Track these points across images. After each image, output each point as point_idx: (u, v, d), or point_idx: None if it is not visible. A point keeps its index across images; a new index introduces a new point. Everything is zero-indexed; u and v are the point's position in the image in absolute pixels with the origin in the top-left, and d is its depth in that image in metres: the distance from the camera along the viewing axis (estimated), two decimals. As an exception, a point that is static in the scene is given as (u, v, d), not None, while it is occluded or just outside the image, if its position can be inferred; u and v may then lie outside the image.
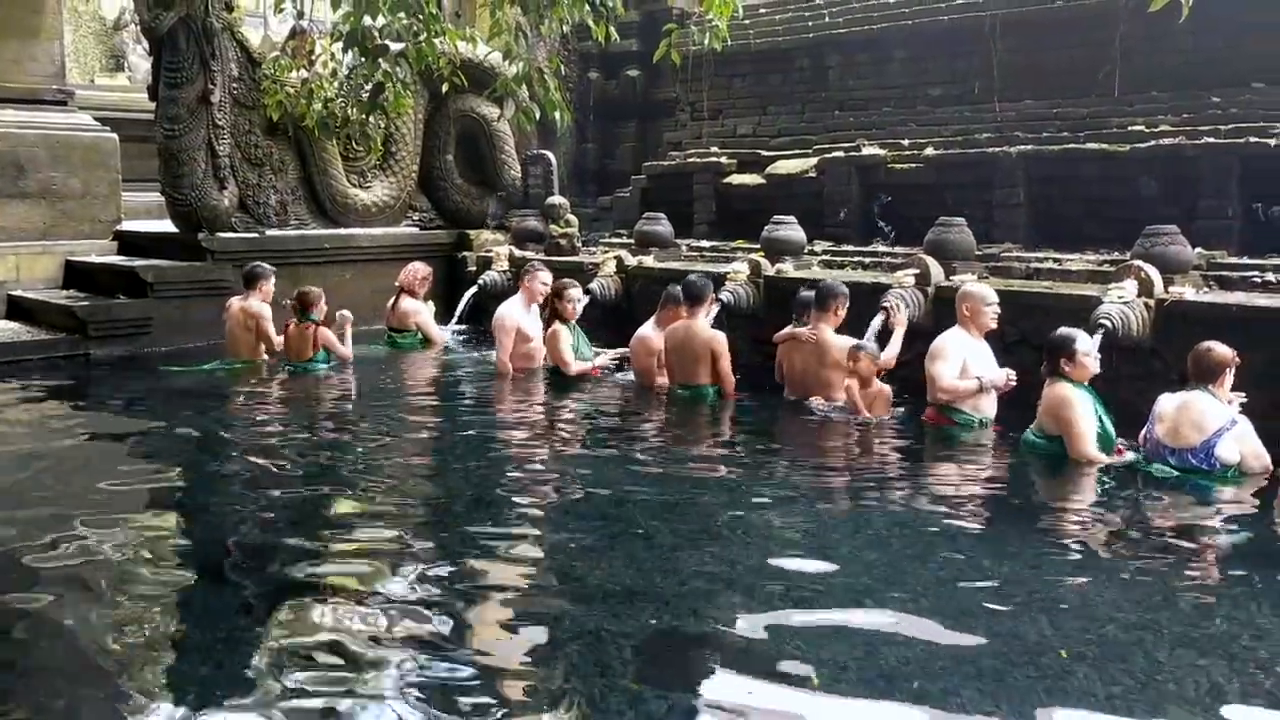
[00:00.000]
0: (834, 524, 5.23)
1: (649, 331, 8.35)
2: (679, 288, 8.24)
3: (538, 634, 4.01)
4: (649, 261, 10.39)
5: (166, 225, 11.46)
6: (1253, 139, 8.48)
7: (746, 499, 5.61)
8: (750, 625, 3.99)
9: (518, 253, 11.48)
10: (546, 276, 9.09)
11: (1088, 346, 6.29)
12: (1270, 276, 7.39)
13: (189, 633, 4.03)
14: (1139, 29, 9.56)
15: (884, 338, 7.64)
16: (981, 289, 7.10)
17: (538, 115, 7.42)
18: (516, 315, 8.98)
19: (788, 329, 7.86)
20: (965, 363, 6.85)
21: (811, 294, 7.83)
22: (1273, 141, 8.35)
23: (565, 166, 14.22)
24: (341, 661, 3.72)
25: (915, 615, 4.09)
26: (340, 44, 7.67)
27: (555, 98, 7.24)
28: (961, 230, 8.59)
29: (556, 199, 12.27)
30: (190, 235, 10.89)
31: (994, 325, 6.98)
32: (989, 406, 6.89)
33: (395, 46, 7.63)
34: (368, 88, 8.36)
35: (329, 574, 4.60)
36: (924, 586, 4.40)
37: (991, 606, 4.17)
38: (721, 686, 3.54)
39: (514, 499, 5.73)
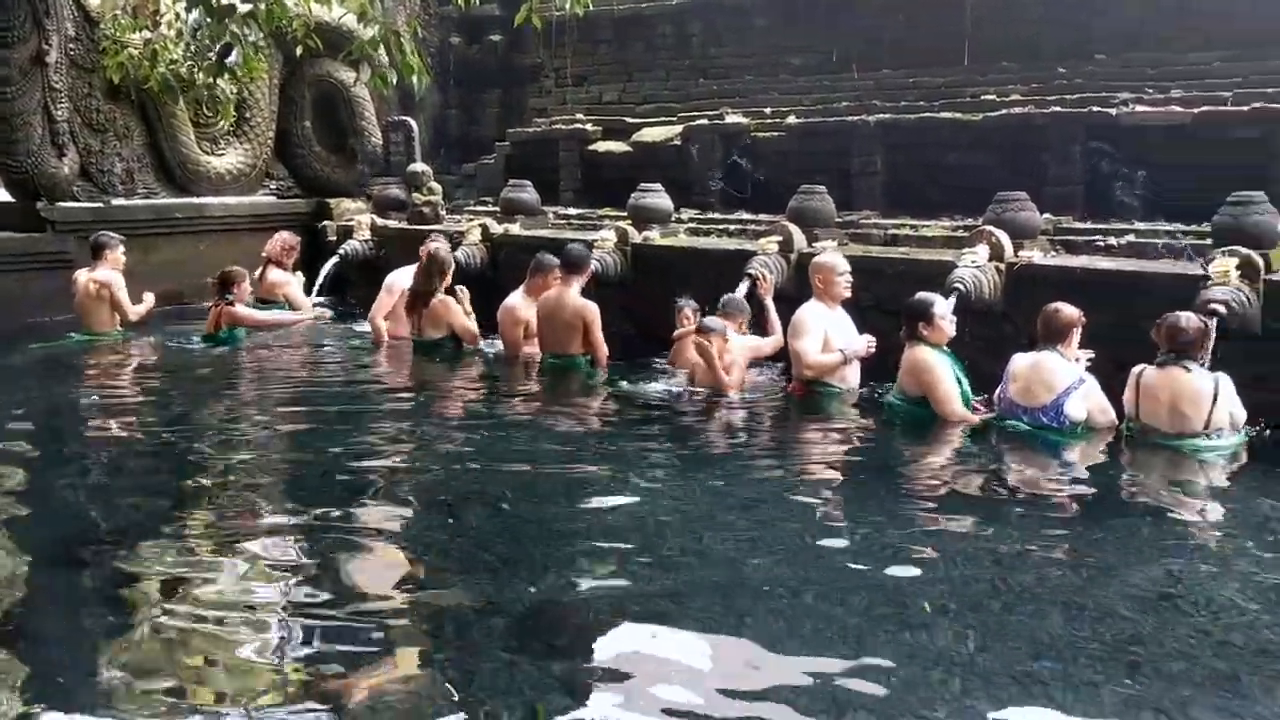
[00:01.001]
0: (704, 493, 5.27)
1: (517, 301, 8.26)
2: (548, 255, 8.17)
3: (406, 609, 3.95)
4: (515, 229, 10.28)
5: (1, 194, 10.83)
6: (1095, 109, 8.83)
7: (619, 469, 5.61)
8: (623, 591, 4.00)
9: (380, 221, 11.22)
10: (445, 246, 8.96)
11: (944, 310, 6.47)
12: (1113, 241, 7.72)
13: (31, 621, 3.84)
14: (980, 4, 9.82)
15: (752, 304, 7.74)
16: (833, 259, 7.18)
17: (395, 80, 7.24)
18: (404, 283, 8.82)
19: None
20: (827, 335, 6.94)
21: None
22: (1114, 111, 8.71)
23: (428, 133, 13.94)
24: (197, 645, 3.59)
25: (784, 574, 4.17)
26: (184, 3, 7.32)
27: (413, 61, 7.09)
28: (823, 198, 8.73)
29: (419, 166, 12.01)
30: (28, 204, 10.32)
31: (848, 294, 7.07)
32: (853, 375, 7.02)
33: (243, 6, 7.33)
34: (215, 49, 8.02)
35: (180, 557, 4.43)
36: (791, 549, 4.49)
37: (855, 566, 4.28)
38: (599, 652, 3.54)
39: (378, 474, 5.62)
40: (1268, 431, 5.98)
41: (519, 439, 6.31)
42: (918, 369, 6.33)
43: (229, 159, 11.95)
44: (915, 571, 4.19)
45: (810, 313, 6.98)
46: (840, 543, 4.56)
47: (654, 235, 9.34)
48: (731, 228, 9.71)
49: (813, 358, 6.88)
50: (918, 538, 4.61)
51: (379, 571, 4.34)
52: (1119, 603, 3.89)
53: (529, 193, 10.68)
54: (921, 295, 6.53)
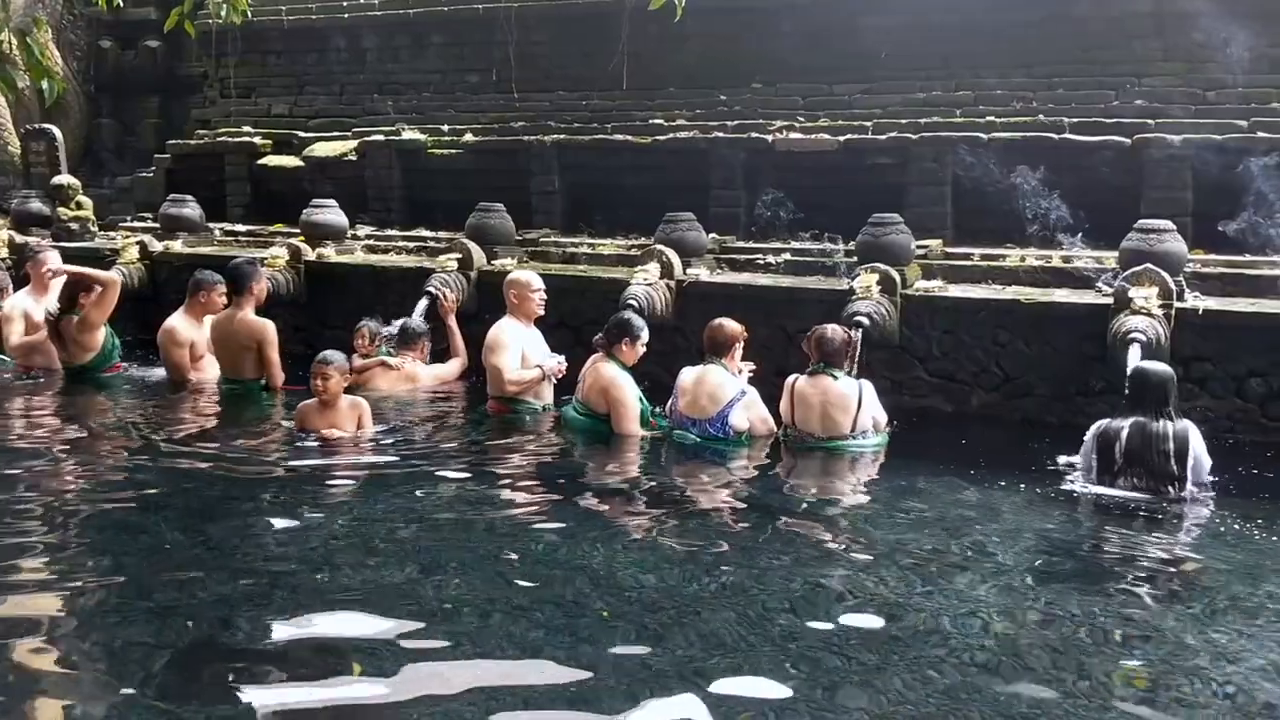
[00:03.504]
0: (384, 517, 5.12)
1: (177, 322, 7.71)
2: (208, 272, 7.72)
3: (52, 652, 3.58)
4: (177, 247, 9.68)
5: None
6: (754, 134, 9.40)
7: (291, 498, 5.36)
8: (288, 629, 3.81)
9: (19, 238, 10.22)
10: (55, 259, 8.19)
11: (647, 335, 6.60)
12: (771, 259, 8.24)
13: None
14: (647, 29, 10.22)
15: (434, 323, 7.67)
16: (527, 276, 7.22)
17: (22, 83, 6.59)
18: (25, 305, 8.02)
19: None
20: (524, 351, 6.93)
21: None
22: (770, 138, 9.31)
23: (77, 143, 12.88)
24: None
25: (467, 592, 4.12)
26: None
27: (45, 65, 6.46)
28: (501, 216, 8.78)
29: (64, 178, 11.03)
30: None
31: (541, 311, 7.11)
32: (548, 392, 7.05)
33: None
34: None
35: None
36: (476, 564, 4.45)
37: (537, 572, 4.30)
38: (263, 694, 3.35)
39: (26, 510, 5.09)
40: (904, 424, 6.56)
41: (188, 469, 5.89)
42: (607, 384, 6.41)
43: None
44: (595, 580, 4.27)
45: (507, 329, 6.95)
46: (522, 554, 4.58)
47: (329, 252, 9.06)
48: (410, 245, 9.58)
49: (514, 374, 6.84)
50: (601, 548, 4.69)
51: (31, 612, 3.92)
52: (783, 600, 4.12)
53: (191, 208, 10.08)
54: (631, 315, 6.67)
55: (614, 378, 6.41)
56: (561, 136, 10.10)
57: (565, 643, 3.70)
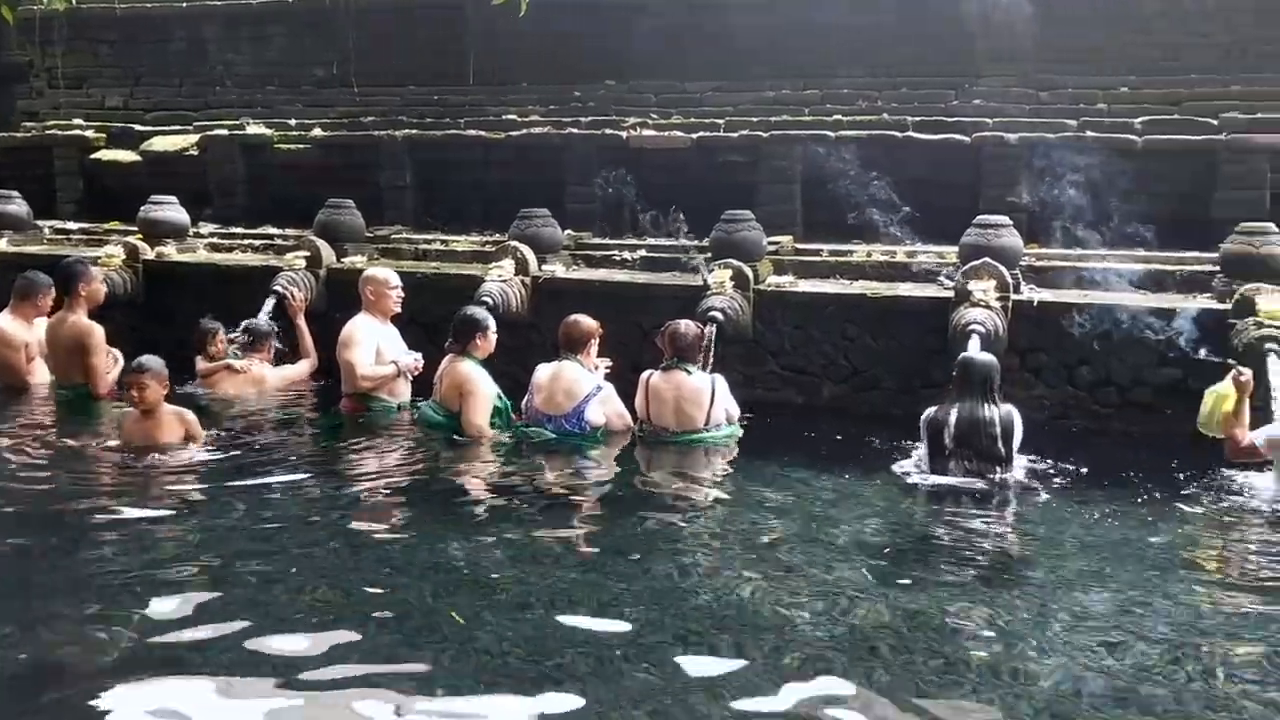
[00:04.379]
0: (227, 527, 4.94)
1: (7, 324, 7.27)
2: (37, 274, 7.32)
3: None
4: (2, 246, 9.14)
5: None
6: (608, 131, 9.42)
7: (116, 504, 5.13)
8: (132, 642, 3.65)
9: None
10: None
11: (494, 323, 6.52)
12: (627, 255, 8.26)
13: None
14: (496, 24, 10.10)
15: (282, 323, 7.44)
16: (384, 273, 7.06)
17: None
18: None
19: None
20: (379, 348, 6.79)
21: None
22: (624, 134, 9.34)
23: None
24: None
25: (314, 598, 4.01)
26: None
27: None
28: (351, 212, 8.59)
29: None
30: None
31: (398, 308, 6.97)
32: (404, 390, 6.91)
33: None
34: None
35: None
36: (321, 570, 4.33)
37: (389, 576, 4.22)
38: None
39: None
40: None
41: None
42: (463, 381, 6.32)
43: None
44: (452, 581, 4.22)
45: (361, 325, 6.79)
46: (379, 559, 4.50)
47: (169, 251, 8.71)
48: (257, 243, 9.28)
49: (367, 370, 6.69)
50: (459, 548, 4.63)
51: None
52: (641, 591, 4.14)
53: (17, 204, 9.56)
54: (475, 309, 6.58)
55: (469, 373, 6.33)
56: (413, 131, 9.94)
57: (421, 646, 3.64)
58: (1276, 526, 5.15)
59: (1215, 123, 8.38)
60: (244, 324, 7.39)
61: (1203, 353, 6.24)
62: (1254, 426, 5.52)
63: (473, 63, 10.52)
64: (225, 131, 10.49)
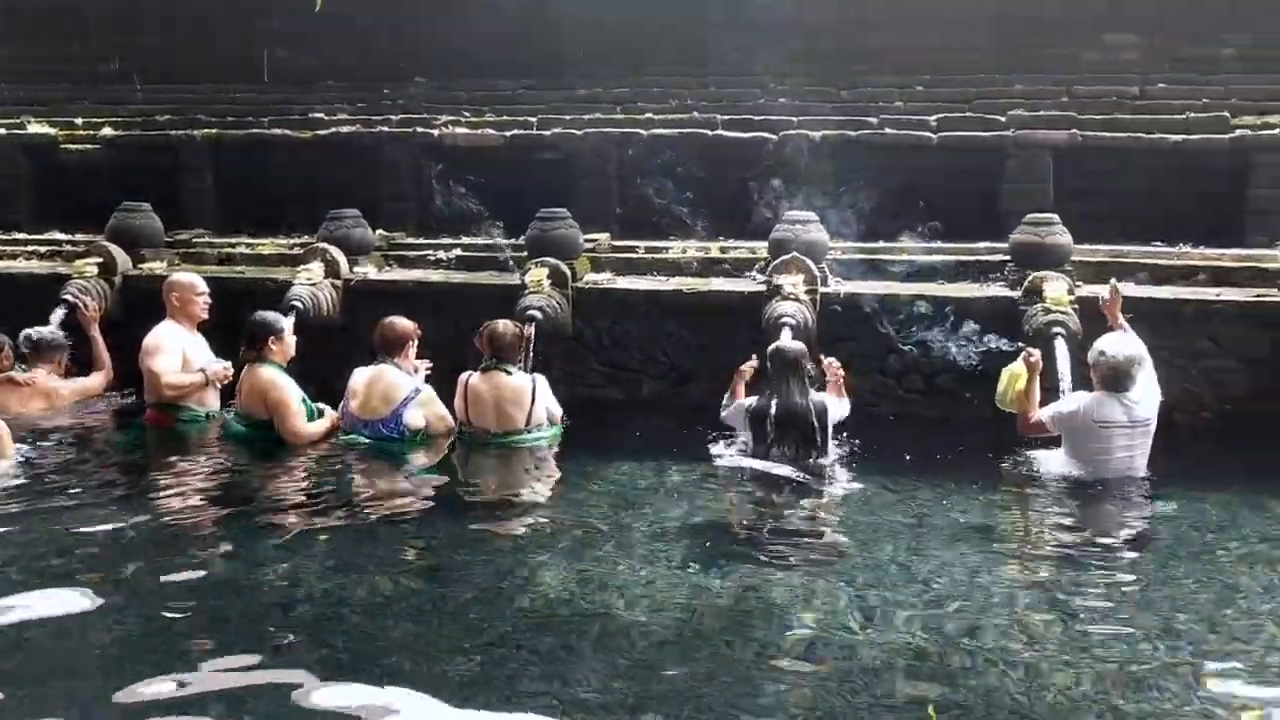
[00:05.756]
0: (25, 544, 4.63)
1: None
2: None
3: None
4: None
5: None
6: (420, 130, 9.26)
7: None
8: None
9: None
10: None
11: (289, 328, 6.36)
12: (442, 255, 8.14)
13: None
14: (298, 21, 9.84)
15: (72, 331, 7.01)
16: (189, 278, 6.80)
17: None
18: None
19: None
20: (186, 355, 6.50)
21: None
22: (436, 133, 9.20)
23: None
24: None
25: (115, 619, 3.82)
26: None
27: None
28: (148, 215, 8.16)
29: None
30: None
31: (205, 315, 6.70)
32: (213, 399, 6.62)
33: None
34: None
35: None
36: (129, 591, 4.14)
37: (199, 594, 4.04)
38: None
39: None
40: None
41: None
42: (264, 388, 6.12)
43: None
44: (270, 597, 4.10)
45: (166, 333, 6.53)
46: (191, 576, 4.32)
47: (-60, 259, 8.09)
48: (43, 249, 8.71)
49: (173, 377, 6.40)
50: (275, 561, 4.48)
51: None
52: (467, 593, 4.09)
53: None
54: (266, 313, 6.37)
55: (272, 379, 6.14)
56: (213, 131, 9.52)
57: (232, 663, 3.50)
58: (1061, 499, 5.52)
59: (1003, 119, 8.86)
60: (24, 333, 6.93)
61: (998, 339, 6.59)
62: (1044, 405, 5.86)
63: (268, 60, 10.16)
64: (4, 130, 9.82)
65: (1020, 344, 6.18)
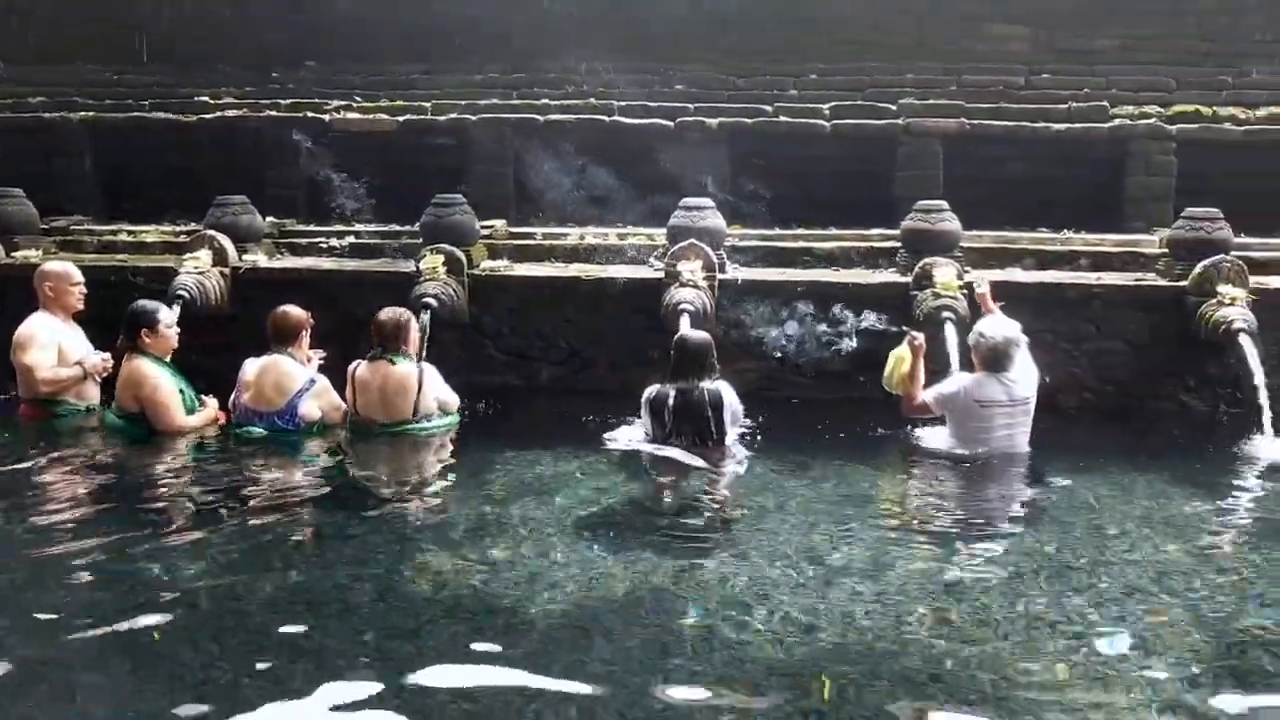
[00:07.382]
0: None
1: None
2: None
3: None
4: None
5: None
6: (310, 114, 9.05)
7: None
8: None
9: None
10: None
11: (169, 318, 6.18)
12: (335, 242, 7.97)
13: None
14: (175, 3, 9.55)
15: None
16: (64, 267, 6.54)
17: None
18: None
19: None
20: (61, 348, 6.27)
21: None
22: (327, 117, 9.00)
23: None
24: None
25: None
26: None
27: None
28: (20, 201, 7.83)
29: None
30: None
31: (81, 305, 6.46)
32: (93, 392, 6.38)
33: None
34: None
35: None
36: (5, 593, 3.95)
37: (85, 592, 3.89)
38: None
39: None
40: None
41: None
42: (138, 382, 5.93)
43: None
44: (154, 596, 3.94)
45: (40, 325, 6.28)
46: (72, 576, 4.16)
47: None
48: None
49: (48, 372, 6.18)
50: (158, 559, 4.32)
51: None
52: (362, 590, 4.01)
53: None
54: (145, 302, 6.17)
55: (144, 374, 5.95)
56: (91, 114, 9.17)
57: (113, 668, 3.38)
58: (948, 476, 5.69)
59: (894, 108, 9.02)
60: None
61: (889, 322, 6.71)
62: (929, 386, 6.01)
63: (146, 41, 9.83)
64: None
65: (905, 328, 6.31)
